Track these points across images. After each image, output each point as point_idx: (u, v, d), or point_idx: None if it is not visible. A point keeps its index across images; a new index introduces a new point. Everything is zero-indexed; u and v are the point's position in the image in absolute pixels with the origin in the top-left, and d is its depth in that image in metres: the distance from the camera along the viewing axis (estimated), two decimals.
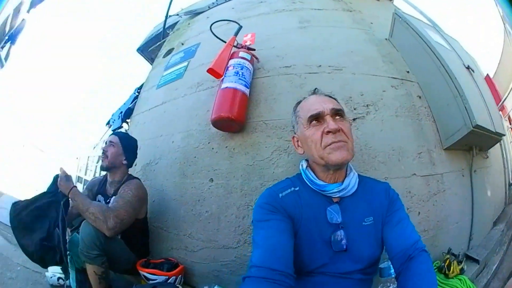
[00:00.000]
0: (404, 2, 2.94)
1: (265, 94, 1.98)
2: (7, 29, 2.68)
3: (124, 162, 2.12)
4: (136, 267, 1.94)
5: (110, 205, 1.96)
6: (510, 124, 2.32)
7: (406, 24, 2.20)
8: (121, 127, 3.83)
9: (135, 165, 2.60)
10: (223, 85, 1.88)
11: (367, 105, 1.87)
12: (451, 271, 1.68)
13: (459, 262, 1.72)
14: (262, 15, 2.64)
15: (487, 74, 2.34)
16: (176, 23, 3.95)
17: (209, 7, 3.27)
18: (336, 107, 1.17)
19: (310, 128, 1.15)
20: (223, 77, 1.92)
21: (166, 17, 4.09)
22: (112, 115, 4.13)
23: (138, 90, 3.60)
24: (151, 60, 4.15)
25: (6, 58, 2.84)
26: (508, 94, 2.30)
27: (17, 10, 2.69)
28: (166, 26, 4.16)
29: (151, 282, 1.85)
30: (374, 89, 1.94)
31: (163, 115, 2.56)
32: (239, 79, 1.89)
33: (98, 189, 2.22)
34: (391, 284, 1.45)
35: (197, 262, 1.97)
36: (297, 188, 1.19)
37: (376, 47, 2.20)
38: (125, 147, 2.14)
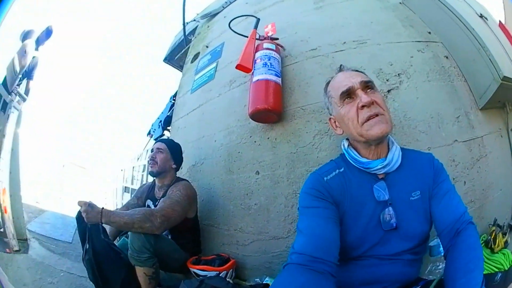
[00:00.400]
0: None
1: (298, 80, 1.97)
2: (17, 69, 2.87)
3: (174, 166, 2.20)
4: (187, 265, 1.98)
5: (157, 207, 1.99)
6: None
7: None
8: (162, 135, 3.99)
9: (181, 168, 2.71)
10: (254, 78, 1.90)
11: (398, 74, 1.81)
12: (496, 245, 1.56)
13: (504, 234, 1.60)
14: (276, 4, 2.63)
15: (500, 21, 2.13)
16: (195, 28, 4.04)
17: (223, 6, 3.32)
18: (364, 79, 1.13)
19: (344, 106, 1.13)
20: (252, 70, 1.94)
21: (184, 24, 4.20)
22: (152, 125, 4.31)
23: (174, 98, 3.72)
24: (180, 67, 4.28)
25: (26, 93, 3.03)
26: None
27: (22, 52, 2.91)
28: (186, 32, 4.27)
29: (201, 277, 1.85)
30: (402, 57, 1.87)
31: (202, 117, 2.63)
32: (269, 69, 1.90)
33: (147, 195, 2.30)
34: (441, 264, 1.39)
35: (248, 256, 2.00)
36: (342, 170, 1.16)
37: (393, 13, 2.11)
38: (172, 152, 2.21)
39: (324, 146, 1.76)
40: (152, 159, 2.16)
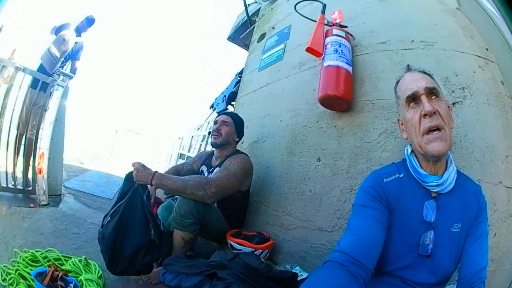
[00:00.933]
0: None
1: (368, 72, 1.91)
2: (57, 55, 3.31)
3: (236, 139, 2.27)
4: (225, 236, 1.99)
5: (212, 175, 2.00)
6: None
7: None
8: (226, 109, 4.15)
9: (242, 142, 2.80)
10: (325, 63, 1.88)
11: (462, 87, 1.62)
12: None
13: None
14: None
15: None
16: (258, 10, 4.07)
17: None
18: (429, 86, 1.06)
19: (409, 110, 1.08)
20: (323, 55, 1.92)
21: (246, 5, 4.22)
22: (216, 99, 4.49)
23: (240, 75, 3.82)
24: (245, 46, 4.34)
25: (73, 71, 3.54)
26: None
27: (60, 40, 3.34)
28: (250, 13, 4.29)
29: (234, 251, 1.83)
30: (466, 69, 1.68)
31: (268, 96, 2.69)
32: (340, 56, 1.87)
33: (203, 161, 2.38)
34: None
35: (288, 240, 2.01)
36: (402, 175, 1.12)
37: (453, 18, 1.89)
38: (237, 126, 2.27)
39: (388, 147, 1.68)
40: (217, 131, 2.21)
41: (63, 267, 1.65)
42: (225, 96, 4.23)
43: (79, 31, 3.53)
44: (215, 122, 2.29)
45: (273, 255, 2.03)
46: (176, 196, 1.95)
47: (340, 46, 1.91)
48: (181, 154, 6.96)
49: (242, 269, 1.43)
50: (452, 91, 1.62)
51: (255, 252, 1.87)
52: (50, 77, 3.10)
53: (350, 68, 1.88)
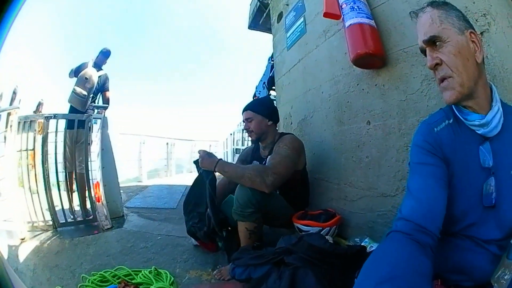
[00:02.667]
0: None
1: (391, 22, 1.79)
2: (84, 93, 3.44)
3: (269, 123, 2.20)
4: (292, 221, 1.99)
5: (267, 163, 2.02)
6: None
7: None
8: (269, 94, 4.19)
9: (291, 123, 2.81)
10: (347, 24, 1.82)
11: (484, 14, 1.43)
12: None
13: None
14: None
15: None
16: None
17: None
18: (426, 37, 0.97)
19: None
20: (342, 16, 1.86)
21: None
22: (256, 88, 4.55)
23: (272, 59, 3.81)
24: (268, 30, 4.29)
25: (106, 102, 3.73)
26: None
27: (83, 80, 3.47)
28: None
29: (300, 234, 1.81)
30: None
31: (304, 71, 2.67)
32: (358, 13, 1.79)
33: (252, 157, 2.35)
34: (509, 273, 1.12)
35: (355, 212, 2.00)
36: (451, 121, 1.02)
37: None
38: (261, 112, 2.20)
39: (433, 94, 1.56)
40: (247, 130, 2.25)
41: (133, 281, 1.69)
42: (264, 82, 4.27)
43: (98, 66, 3.71)
44: (242, 122, 2.31)
45: (342, 230, 2.03)
46: None
47: (355, 3, 1.83)
48: (236, 149, 7.17)
49: (308, 251, 1.43)
50: (476, 20, 1.42)
51: (323, 231, 1.87)
52: (85, 114, 3.34)
53: (372, 22, 1.80)
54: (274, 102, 3.25)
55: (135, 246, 2.36)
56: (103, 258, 2.14)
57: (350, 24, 1.80)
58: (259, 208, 1.80)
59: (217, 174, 1.98)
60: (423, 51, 1.00)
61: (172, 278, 1.73)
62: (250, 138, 2.31)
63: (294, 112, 2.75)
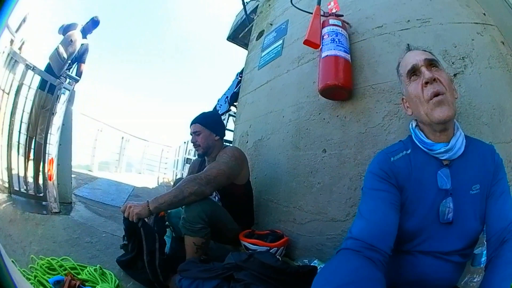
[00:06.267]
0: None
1: (366, 58, 1.91)
2: (65, 56, 3.27)
3: (216, 138, 2.16)
4: (238, 238, 1.97)
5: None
6: None
7: None
8: (229, 110, 4.16)
9: (247, 142, 2.78)
10: (323, 54, 1.87)
11: (462, 57, 1.66)
12: None
13: None
14: None
15: None
16: (256, 7, 4.07)
17: None
18: (428, 57, 1.11)
19: (411, 84, 1.12)
20: (321, 46, 1.91)
21: (244, 3, 4.23)
22: (218, 101, 4.50)
23: (240, 75, 3.83)
24: (244, 45, 4.35)
25: (79, 75, 3.52)
26: None
27: (67, 41, 3.32)
28: (248, 12, 4.29)
29: (249, 251, 1.79)
30: (464, 39, 1.73)
31: (270, 93, 2.68)
32: (337, 46, 1.86)
33: (198, 169, 2.27)
34: (477, 276, 1.25)
35: (303, 235, 2.00)
36: (409, 151, 1.13)
37: None
38: (209, 127, 2.16)
39: (393, 129, 1.69)
40: (194, 144, 2.19)
41: (79, 276, 1.64)
42: (227, 97, 4.24)
43: (85, 32, 3.54)
44: (191, 134, 2.24)
45: (289, 252, 2.02)
46: None
47: (337, 36, 1.90)
48: (187, 158, 7.01)
49: (259, 268, 1.41)
50: (452, 63, 1.66)
51: (271, 251, 1.85)
52: (58, 80, 3.09)
53: (348, 56, 1.88)
54: (232, 118, 3.23)
55: (81, 238, 2.30)
56: (50, 244, 2.10)
57: (327, 55, 1.85)
58: (208, 223, 1.77)
59: None
60: (414, 71, 1.12)
61: (117, 281, 1.68)
62: (197, 153, 2.25)
63: (252, 131, 2.74)
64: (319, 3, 2.11)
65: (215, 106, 4.54)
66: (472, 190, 1.06)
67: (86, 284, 1.60)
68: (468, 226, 1.06)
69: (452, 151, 1.07)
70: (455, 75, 1.63)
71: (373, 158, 1.17)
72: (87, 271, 1.69)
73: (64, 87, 3.06)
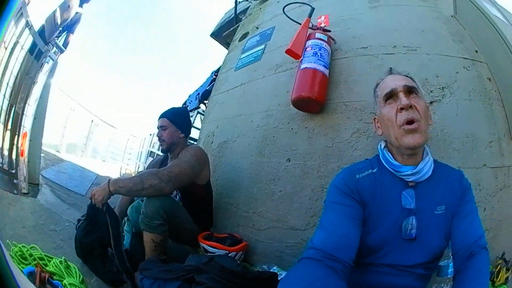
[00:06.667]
0: None
1: (345, 76, 1.95)
2: (58, 21, 3.02)
3: (181, 135, 2.15)
4: (197, 239, 1.96)
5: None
6: None
7: None
8: (198, 107, 4.06)
9: (212, 142, 2.72)
10: (303, 66, 1.88)
11: (442, 87, 1.79)
12: (498, 279, 1.54)
13: (507, 270, 1.56)
14: None
15: None
16: (247, 8, 4.03)
17: None
18: (408, 84, 1.14)
19: (386, 107, 1.15)
20: (301, 58, 1.92)
21: (236, 3, 4.19)
22: (189, 96, 4.38)
23: (215, 73, 3.75)
24: (226, 44, 4.29)
25: (65, 45, 3.22)
26: None
27: (65, 5, 3.07)
28: (238, 11, 4.26)
29: (208, 254, 1.82)
30: (448, 71, 1.85)
31: (242, 96, 2.64)
32: (318, 59, 1.88)
33: (159, 167, 2.20)
34: (445, 286, 1.37)
35: (262, 241, 1.99)
36: (375, 170, 1.17)
37: (445, 25, 2.08)
38: (176, 123, 2.15)
39: (360, 146, 1.74)
40: (160, 138, 2.15)
41: (47, 268, 1.64)
42: (198, 94, 4.14)
43: (82, 1, 3.26)
44: (157, 128, 2.19)
45: (248, 257, 2.01)
46: None
47: (320, 50, 1.93)
48: (151, 151, 6.80)
49: (220, 272, 1.44)
50: (431, 91, 1.78)
51: (229, 255, 1.85)
52: (45, 46, 2.86)
53: (326, 72, 1.90)
54: (200, 116, 3.17)
55: (46, 226, 2.28)
56: (20, 228, 2.10)
57: (306, 67, 1.87)
58: (167, 220, 1.77)
59: None
60: (391, 95, 1.14)
61: (82, 276, 1.68)
62: (161, 148, 2.25)
63: (219, 132, 2.69)
64: (310, 16, 2.14)
65: (185, 101, 4.43)
66: (437, 211, 1.12)
67: (54, 277, 1.60)
68: (431, 242, 1.12)
69: (418, 174, 1.12)
70: (431, 102, 1.74)
71: (338, 173, 1.21)
72: (53, 263, 1.69)
73: (49, 56, 2.87)
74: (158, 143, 2.24)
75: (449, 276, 1.34)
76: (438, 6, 2.27)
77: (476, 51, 1.96)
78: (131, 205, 2.03)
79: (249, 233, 2.08)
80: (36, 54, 2.73)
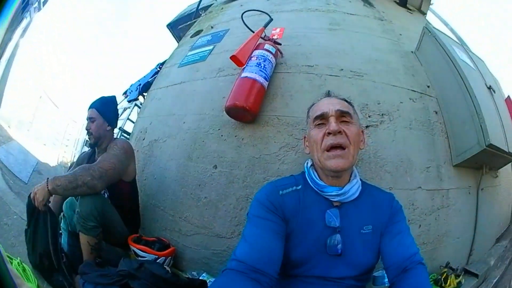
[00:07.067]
0: (436, 17, 2.98)
1: (283, 90, 1.96)
2: None
3: (108, 128, 2.08)
4: (127, 241, 1.93)
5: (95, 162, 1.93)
6: None
7: (435, 39, 2.20)
8: (136, 99, 3.86)
9: (143, 139, 2.60)
10: (243, 74, 1.87)
11: (382, 114, 1.87)
12: (447, 284, 1.69)
13: (457, 276, 1.72)
14: (295, 11, 2.62)
15: (508, 96, 2.36)
16: (210, 6, 3.94)
17: None
18: (342, 109, 1.16)
19: (315, 129, 1.17)
20: (244, 66, 1.91)
21: None
22: (131, 86, 4.16)
23: (160, 66, 3.60)
24: (178, 38, 4.16)
25: (44, 3, 2.93)
26: None
27: None
28: (200, 6, 4.16)
29: (140, 259, 1.81)
30: (392, 100, 1.94)
31: (179, 95, 2.55)
32: (260, 70, 1.87)
33: (87, 162, 2.16)
34: None
35: (189, 247, 1.96)
36: (299, 187, 1.18)
37: (401, 59, 2.19)
38: (104, 115, 2.07)
39: (288, 160, 1.77)
40: (88, 131, 2.06)
41: None
42: (140, 84, 3.97)
43: None
44: (87, 119, 2.08)
45: (177, 262, 1.98)
46: None
47: (264, 61, 1.92)
48: (87, 140, 6.38)
49: (150, 278, 1.49)
50: (369, 116, 1.86)
51: (159, 260, 1.84)
52: None
53: (266, 84, 1.90)
54: (137, 109, 3.05)
55: (0, 219, 2.16)
56: None
57: (246, 76, 1.86)
58: (100, 222, 1.75)
59: None
60: (322, 118, 1.16)
61: (36, 280, 1.61)
62: (89, 142, 2.18)
63: (151, 129, 2.58)
64: (265, 26, 2.15)
65: (127, 90, 4.21)
66: (363, 230, 1.16)
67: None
68: (359, 258, 1.15)
69: (344, 195, 1.15)
70: (367, 126, 1.83)
71: (262, 187, 1.22)
72: (14, 264, 1.61)
73: (29, 10, 2.56)
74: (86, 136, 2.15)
75: (385, 285, 1.39)
76: (400, 40, 2.40)
77: (428, 86, 2.09)
78: (65, 201, 1.96)
79: (176, 238, 2.03)
80: (23, 6, 2.38)
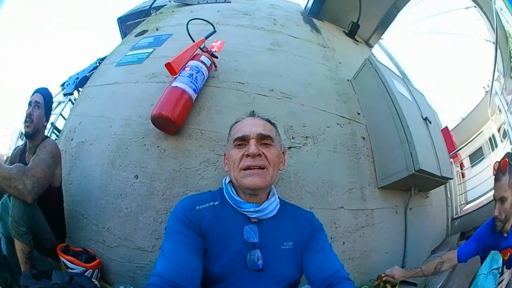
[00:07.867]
0: (382, 51, 3.18)
1: (210, 104, 1.97)
2: None
3: (45, 124, 1.99)
4: (56, 251, 1.84)
5: (28, 165, 1.80)
6: (461, 169, 2.64)
7: (374, 71, 2.31)
8: (71, 93, 3.66)
9: (72, 139, 2.47)
10: (174, 84, 1.86)
11: (306, 136, 1.93)
12: None
13: (393, 286, 1.80)
14: (240, 27, 2.67)
15: (446, 126, 2.60)
16: (163, 6, 3.85)
17: (198, 2, 3.27)
18: (263, 133, 1.19)
19: (234, 149, 1.20)
20: (177, 75, 1.90)
21: None
22: (69, 78, 3.91)
23: (100, 61, 3.45)
24: (124, 34, 4.02)
25: None
26: (465, 145, 2.60)
27: None
28: (154, 5, 4.05)
29: (69, 271, 1.77)
30: (318, 123, 2.01)
31: (111, 96, 2.46)
32: (191, 82, 1.88)
33: (19, 160, 2.04)
34: None
35: (114, 259, 1.89)
36: (217, 203, 1.21)
37: (335, 85, 2.28)
38: (46, 106, 1.98)
39: (208, 175, 1.78)
40: (29, 117, 1.90)
41: None
42: (77, 78, 3.76)
43: None
44: (29, 104, 1.94)
45: (105, 275, 1.90)
46: None
47: (197, 73, 1.93)
48: (23, 132, 5.95)
49: None
50: (292, 138, 1.92)
51: (86, 273, 1.78)
52: None
53: (194, 96, 1.90)
54: (71, 105, 2.91)
55: None
56: None
57: (176, 86, 1.85)
58: (31, 227, 1.67)
59: None
60: (242, 140, 1.19)
61: None
62: (25, 130, 1.99)
63: (80, 129, 2.43)
64: (207, 37, 2.17)
65: (64, 82, 3.97)
66: (284, 246, 1.19)
67: None
68: (282, 273, 1.18)
69: (262, 212, 1.19)
70: (289, 147, 1.88)
71: (179, 201, 1.22)
72: None
73: None
74: (25, 125, 1.97)
75: None
76: (338, 68, 2.50)
77: (359, 113, 2.18)
78: (0, 201, 1.84)
79: (101, 249, 1.95)
80: None
